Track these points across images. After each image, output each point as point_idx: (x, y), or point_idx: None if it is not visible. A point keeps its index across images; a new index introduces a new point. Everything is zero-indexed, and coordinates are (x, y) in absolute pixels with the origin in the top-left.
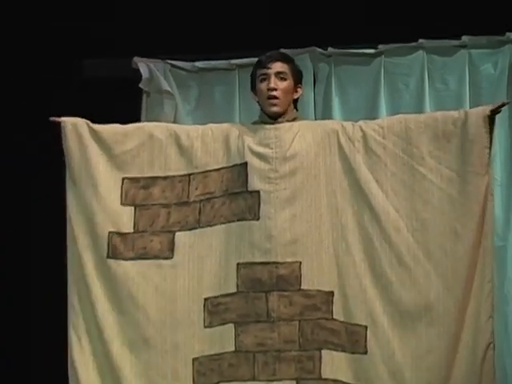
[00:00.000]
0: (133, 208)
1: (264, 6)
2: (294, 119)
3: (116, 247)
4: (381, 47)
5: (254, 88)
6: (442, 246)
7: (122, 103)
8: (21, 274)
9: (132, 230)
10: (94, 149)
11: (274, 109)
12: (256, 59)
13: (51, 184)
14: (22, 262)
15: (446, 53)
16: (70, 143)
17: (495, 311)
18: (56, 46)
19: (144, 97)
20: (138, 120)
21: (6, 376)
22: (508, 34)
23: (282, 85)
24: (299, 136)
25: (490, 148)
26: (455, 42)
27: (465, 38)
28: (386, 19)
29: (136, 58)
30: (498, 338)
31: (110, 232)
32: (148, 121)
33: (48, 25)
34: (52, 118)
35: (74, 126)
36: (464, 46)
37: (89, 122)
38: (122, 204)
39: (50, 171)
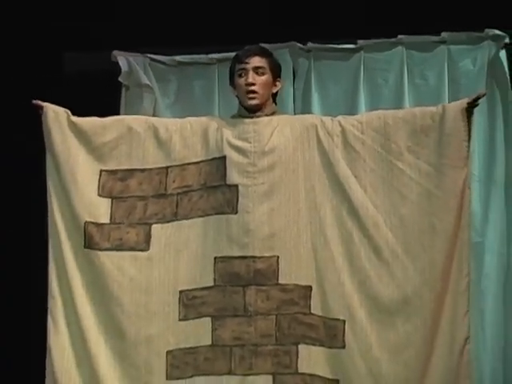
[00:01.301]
0: (110, 200)
1: (244, 1)
2: (272, 113)
3: (92, 237)
4: (360, 42)
5: (232, 82)
6: (420, 240)
7: (101, 97)
8: (21, 274)
9: (108, 221)
10: (73, 140)
11: (253, 102)
12: (235, 53)
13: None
14: (21, 262)
15: (425, 48)
16: (52, 130)
17: (472, 307)
18: (35, 40)
19: (123, 90)
20: (117, 114)
21: (6, 376)
22: (487, 30)
23: (260, 79)
24: (278, 130)
25: (469, 141)
26: (434, 38)
27: (444, 34)
28: (365, 15)
29: (115, 52)
30: (474, 334)
31: (86, 222)
32: (127, 114)
33: (27, 19)
34: (35, 101)
35: (56, 114)
36: (443, 42)
37: (69, 112)
38: (99, 195)
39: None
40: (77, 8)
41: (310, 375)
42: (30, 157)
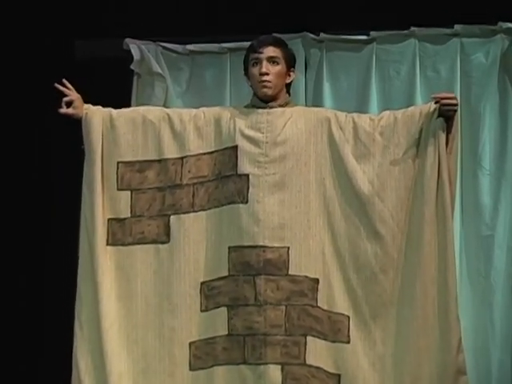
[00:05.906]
0: (129, 192)
1: None
2: (286, 104)
3: (115, 234)
4: (373, 34)
5: (246, 72)
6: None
7: (112, 85)
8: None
9: (129, 215)
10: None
11: (265, 90)
12: (248, 43)
13: (51, 184)
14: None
15: (437, 41)
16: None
17: (481, 300)
18: (47, 27)
19: (135, 79)
20: (128, 102)
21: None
22: (500, 23)
23: (274, 69)
24: (291, 122)
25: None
26: (447, 31)
27: (457, 27)
28: (378, 6)
29: (128, 40)
30: (482, 327)
31: (109, 219)
32: (138, 102)
33: (40, 6)
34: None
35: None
36: (456, 35)
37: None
38: (118, 189)
39: (50, 171)
40: None
41: (316, 368)
42: (43, 147)
